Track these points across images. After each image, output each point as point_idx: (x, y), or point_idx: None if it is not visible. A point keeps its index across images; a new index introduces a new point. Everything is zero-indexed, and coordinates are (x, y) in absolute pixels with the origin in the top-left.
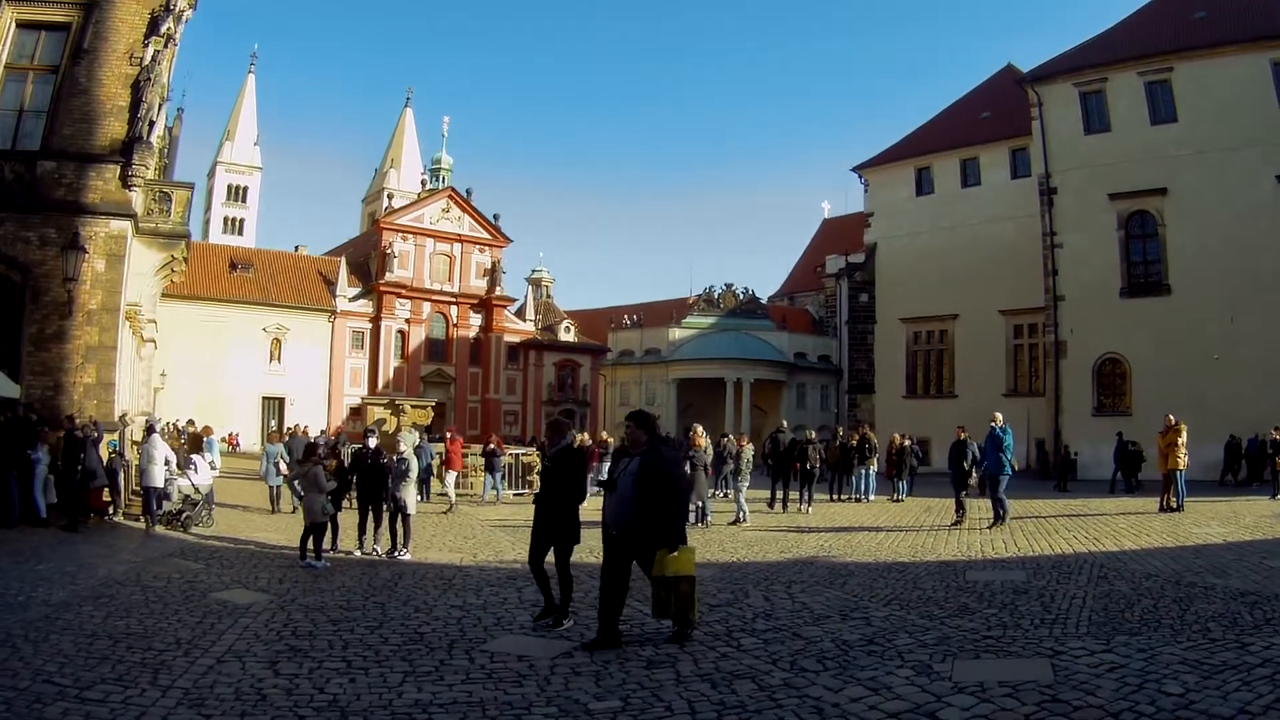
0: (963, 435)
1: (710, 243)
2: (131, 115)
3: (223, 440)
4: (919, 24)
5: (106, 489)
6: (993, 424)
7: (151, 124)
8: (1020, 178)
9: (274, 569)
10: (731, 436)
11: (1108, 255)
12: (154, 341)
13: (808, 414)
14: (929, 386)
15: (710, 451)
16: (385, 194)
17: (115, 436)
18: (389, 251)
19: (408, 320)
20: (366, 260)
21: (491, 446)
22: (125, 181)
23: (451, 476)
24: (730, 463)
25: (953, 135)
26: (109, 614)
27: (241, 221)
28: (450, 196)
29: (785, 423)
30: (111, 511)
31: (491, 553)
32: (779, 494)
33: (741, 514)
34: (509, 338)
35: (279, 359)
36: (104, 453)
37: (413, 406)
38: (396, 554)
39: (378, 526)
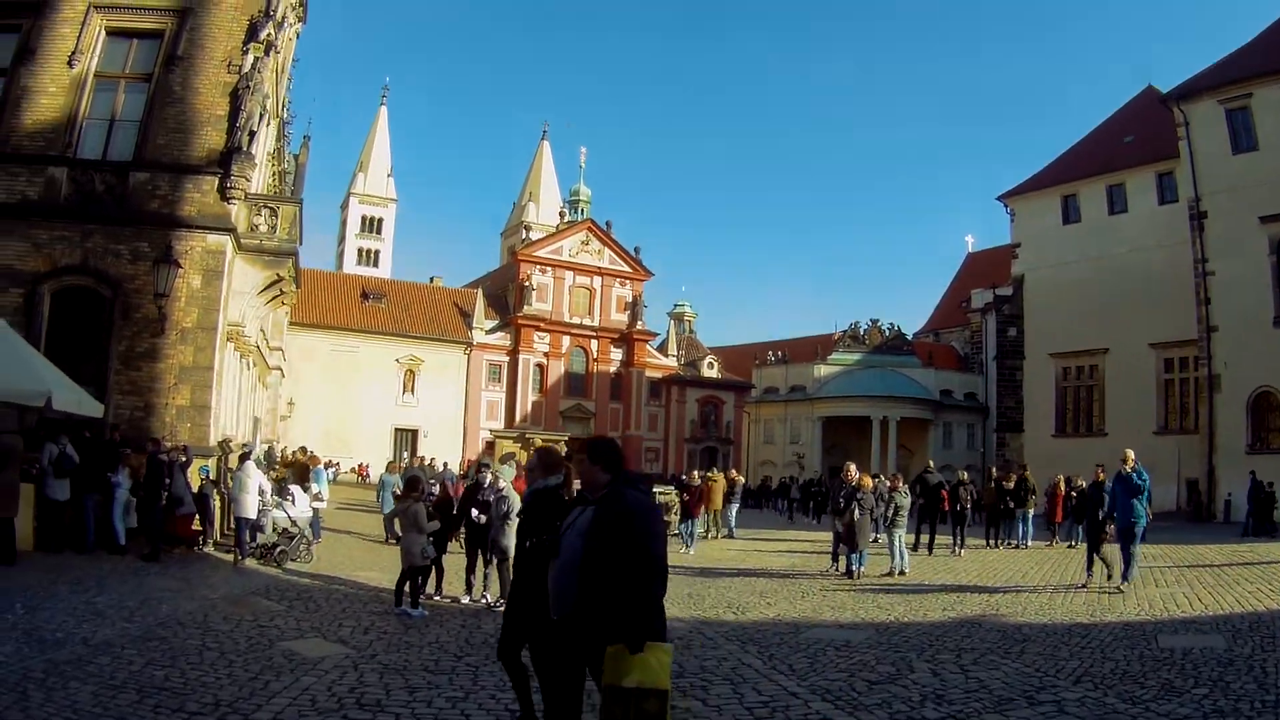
0: (1102, 475)
1: (853, 278)
2: (230, 125)
3: (352, 470)
4: (1054, 48)
5: (196, 517)
6: (1123, 465)
7: (252, 134)
8: (1167, 203)
9: (363, 615)
10: (884, 476)
11: (1260, 282)
12: (281, 369)
13: (954, 453)
14: (1079, 424)
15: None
16: (523, 226)
17: (208, 463)
18: (527, 284)
19: (546, 354)
20: (504, 293)
21: None
22: (224, 194)
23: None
24: (885, 505)
25: (1097, 160)
26: (150, 660)
27: (376, 253)
28: (590, 229)
29: (931, 462)
30: (202, 542)
31: None
32: (924, 537)
33: (900, 564)
34: (651, 373)
35: (412, 390)
36: (194, 479)
37: (543, 440)
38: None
39: (488, 571)
